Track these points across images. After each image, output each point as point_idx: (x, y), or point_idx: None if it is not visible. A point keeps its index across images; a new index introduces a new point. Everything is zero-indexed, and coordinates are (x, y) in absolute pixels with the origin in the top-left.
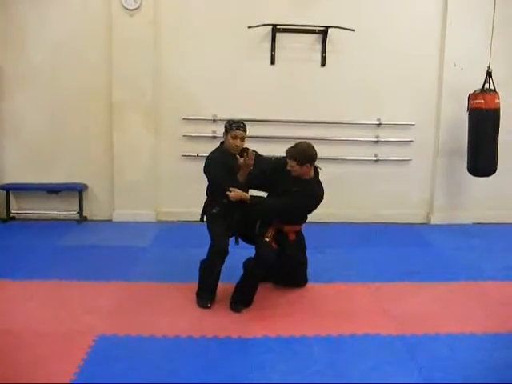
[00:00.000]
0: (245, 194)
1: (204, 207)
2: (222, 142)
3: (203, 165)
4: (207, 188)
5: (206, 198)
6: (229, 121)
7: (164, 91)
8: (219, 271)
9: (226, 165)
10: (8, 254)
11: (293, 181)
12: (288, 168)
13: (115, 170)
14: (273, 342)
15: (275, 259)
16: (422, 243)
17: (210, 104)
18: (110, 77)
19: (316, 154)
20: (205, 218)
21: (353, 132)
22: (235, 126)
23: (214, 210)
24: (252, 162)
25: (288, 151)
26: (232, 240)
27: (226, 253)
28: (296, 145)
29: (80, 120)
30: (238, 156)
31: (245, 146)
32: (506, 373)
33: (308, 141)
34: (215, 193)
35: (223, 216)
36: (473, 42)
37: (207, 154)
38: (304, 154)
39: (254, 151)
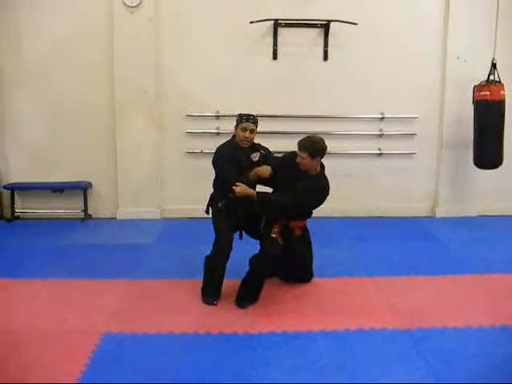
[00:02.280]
0: (251, 190)
1: (210, 200)
2: (234, 136)
3: (211, 157)
4: (214, 180)
5: (210, 192)
6: (240, 114)
7: (166, 88)
8: (224, 267)
9: (234, 158)
10: (13, 253)
11: (299, 176)
12: (298, 160)
13: (119, 168)
14: (279, 338)
15: (281, 255)
16: (427, 236)
17: (213, 100)
18: (112, 74)
19: (326, 148)
20: (210, 211)
21: (356, 126)
22: (244, 118)
23: (219, 204)
24: (269, 169)
25: (300, 143)
26: (236, 235)
27: (229, 248)
28: (308, 137)
29: (83, 118)
30: (252, 157)
31: (257, 143)
32: None
33: None
34: (222, 186)
35: (229, 210)
36: (476, 33)
37: (211, 151)
38: (317, 146)
39: (266, 148)
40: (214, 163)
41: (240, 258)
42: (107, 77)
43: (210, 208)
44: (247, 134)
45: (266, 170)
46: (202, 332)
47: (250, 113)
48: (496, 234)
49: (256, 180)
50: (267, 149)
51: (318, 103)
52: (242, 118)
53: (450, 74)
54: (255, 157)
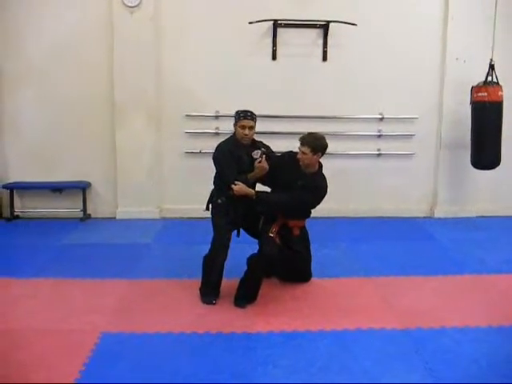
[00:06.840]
0: (250, 189)
1: (210, 196)
2: (234, 133)
3: (211, 157)
4: (214, 177)
5: (209, 192)
6: (237, 111)
7: (166, 88)
8: (222, 265)
9: (234, 156)
10: (12, 252)
11: (298, 175)
12: (298, 156)
13: (118, 168)
14: (277, 338)
15: (279, 255)
16: (425, 237)
17: (212, 100)
18: (112, 74)
19: (328, 145)
20: (210, 208)
21: (355, 126)
22: (242, 116)
23: (219, 201)
24: (267, 167)
25: (303, 138)
26: (234, 233)
27: (227, 246)
28: (311, 133)
29: (83, 118)
30: (253, 155)
31: (259, 140)
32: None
33: None
34: (222, 183)
35: (228, 207)
36: (475, 34)
37: (210, 151)
38: (319, 142)
39: (268, 146)
40: (214, 160)
41: (238, 258)
42: (107, 76)
43: (210, 205)
44: (246, 131)
45: (262, 168)
46: (201, 332)
47: None
48: (494, 235)
49: (255, 180)
50: (268, 147)
51: (317, 104)
52: (240, 116)
53: (448, 74)
54: (256, 154)
